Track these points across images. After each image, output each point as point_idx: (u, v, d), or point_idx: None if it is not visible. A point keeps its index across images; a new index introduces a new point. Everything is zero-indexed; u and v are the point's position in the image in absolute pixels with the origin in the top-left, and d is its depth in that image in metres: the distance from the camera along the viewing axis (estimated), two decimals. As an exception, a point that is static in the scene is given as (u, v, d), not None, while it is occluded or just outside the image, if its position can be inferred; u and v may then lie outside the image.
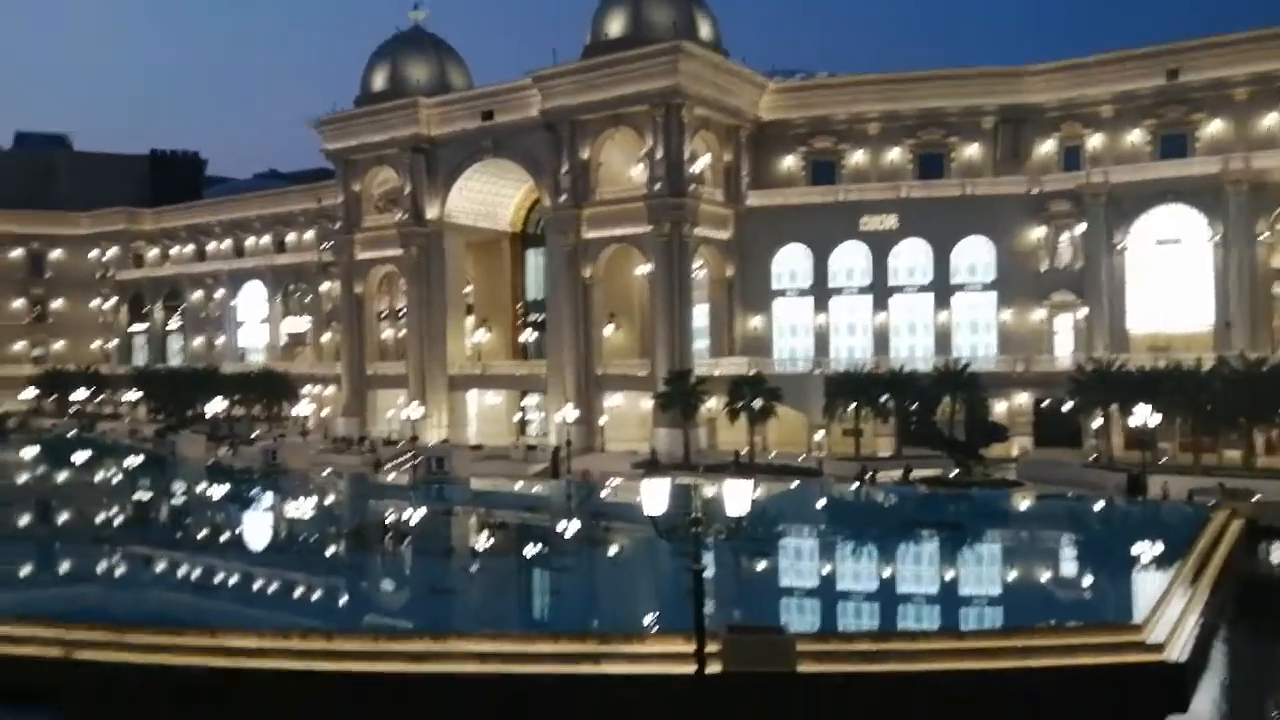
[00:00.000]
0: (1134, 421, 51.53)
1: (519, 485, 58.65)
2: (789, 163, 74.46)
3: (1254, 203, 59.37)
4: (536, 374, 74.28)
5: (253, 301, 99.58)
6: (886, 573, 37.20)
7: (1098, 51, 68.01)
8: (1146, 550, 36.16)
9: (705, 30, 70.21)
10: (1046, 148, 69.58)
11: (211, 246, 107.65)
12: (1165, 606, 28.12)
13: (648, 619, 28.18)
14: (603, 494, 51.69)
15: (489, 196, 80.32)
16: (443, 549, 44.29)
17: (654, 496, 17.00)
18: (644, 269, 69.10)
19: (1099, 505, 46.91)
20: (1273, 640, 31.33)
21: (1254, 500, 44.40)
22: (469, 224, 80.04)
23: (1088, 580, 35.99)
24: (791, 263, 71.85)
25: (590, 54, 70.01)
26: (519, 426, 75.23)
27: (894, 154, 72.28)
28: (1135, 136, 66.42)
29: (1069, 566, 38.89)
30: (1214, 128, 63.91)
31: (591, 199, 69.81)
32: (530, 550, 40.00)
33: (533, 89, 71.25)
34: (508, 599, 34.83)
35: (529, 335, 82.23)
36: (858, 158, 73.02)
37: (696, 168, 68.57)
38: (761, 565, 37.09)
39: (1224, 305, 60.09)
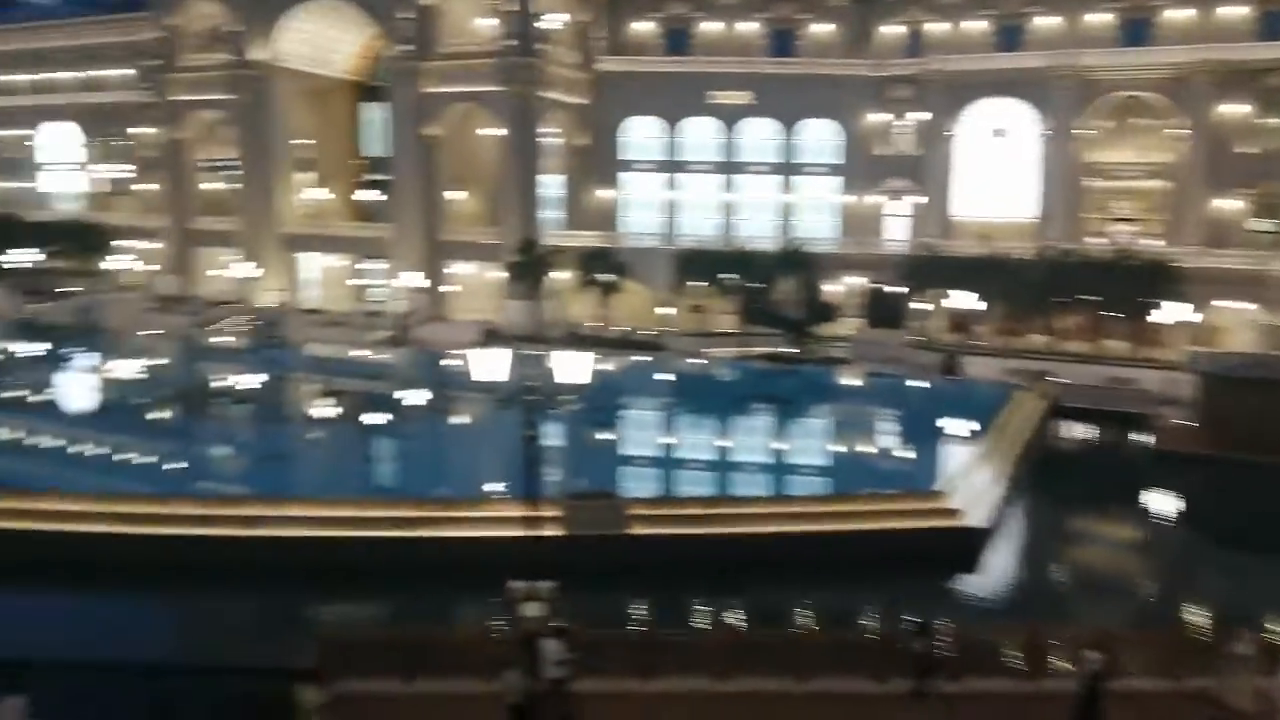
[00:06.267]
0: (955, 305, 54.67)
1: (359, 351, 57.41)
2: (644, 29, 73.09)
3: (1075, 98, 62.48)
4: (378, 237, 71.76)
5: (61, 144, 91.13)
6: (720, 443, 39.03)
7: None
8: (956, 426, 39.04)
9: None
10: (893, 31, 70.55)
11: (10, 79, 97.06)
12: (967, 477, 30.83)
13: (490, 486, 28.74)
14: (446, 362, 51.20)
15: (325, 40, 75.11)
16: (276, 415, 43.37)
17: (486, 366, 17.31)
18: (491, 131, 66.85)
19: (917, 383, 49.92)
20: (1059, 508, 34.80)
21: (1055, 382, 48.42)
22: (303, 69, 74.81)
23: (902, 452, 38.76)
24: (643, 135, 71.29)
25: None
26: (360, 291, 73.04)
27: (747, 27, 71.82)
28: (974, 26, 68.11)
29: (886, 440, 41.65)
30: (1045, 22, 66.17)
31: (434, 50, 66.32)
32: (369, 417, 39.52)
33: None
34: (345, 466, 34.61)
35: (369, 194, 78.89)
36: (711, 28, 72.30)
37: (548, 25, 66.03)
38: (605, 435, 38.20)
39: (1045, 197, 63.75)
